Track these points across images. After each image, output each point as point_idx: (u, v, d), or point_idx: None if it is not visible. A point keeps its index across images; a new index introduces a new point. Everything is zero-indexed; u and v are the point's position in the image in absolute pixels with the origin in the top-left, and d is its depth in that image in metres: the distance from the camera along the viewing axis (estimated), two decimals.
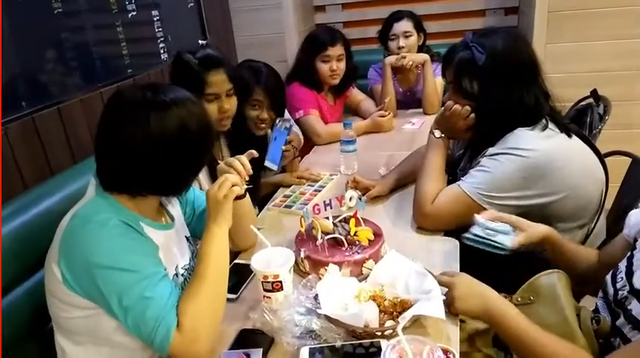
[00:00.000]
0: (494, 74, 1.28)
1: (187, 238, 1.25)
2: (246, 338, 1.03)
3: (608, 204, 1.49)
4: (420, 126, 2.28)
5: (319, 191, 1.71)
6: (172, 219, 1.21)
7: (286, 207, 1.62)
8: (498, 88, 1.28)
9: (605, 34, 2.37)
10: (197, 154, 1.06)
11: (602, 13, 2.35)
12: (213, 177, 1.57)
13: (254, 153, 1.20)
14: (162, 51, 2.23)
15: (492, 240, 1.12)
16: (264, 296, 1.08)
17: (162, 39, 2.22)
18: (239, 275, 1.23)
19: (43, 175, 1.47)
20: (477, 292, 1.00)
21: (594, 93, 1.99)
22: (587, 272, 1.10)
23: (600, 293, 1.03)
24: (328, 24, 3.12)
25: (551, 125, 1.30)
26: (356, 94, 2.53)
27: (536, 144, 1.25)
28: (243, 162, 1.14)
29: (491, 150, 1.31)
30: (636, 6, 2.30)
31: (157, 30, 2.19)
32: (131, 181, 1.03)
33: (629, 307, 0.88)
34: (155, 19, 2.17)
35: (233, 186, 1.06)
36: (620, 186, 1.52)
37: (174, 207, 1.25)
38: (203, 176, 1.54)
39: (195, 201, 1.32)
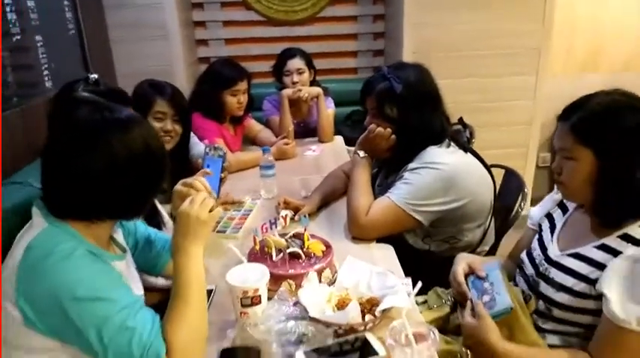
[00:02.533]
0: (410, 101, 1.51)
1: (136, 268, 1.19)
2: (231, 355, 1.03)
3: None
4: (320, 152, 2.47)
5: (248, 214, 1.74)
6: (123, 250, 1.15)
7: (219, 231, 1.62)
8: (414, 112, 1.52)
9: (458, 73, 2.87)
10: (159, 173, 1.04)
11: (456, 57, 2.86)
12: None
13: (208, 171, 1.20)
14: (46, 79, 2.05)
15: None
16: (241, 313, 1.09)
17: (46, 66, 2.05)
18: None
19: None
20: (483, 342, 1.08)
21: (461, 120, 2.41)
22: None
23: (517, 271, 1.28)
24: (212, 58, 3.17)
25: (452, 143, 1.58)
26: (254, 125, 2.62)
27: (446, 159, 1.50)
28: (202, 182, 1.13)
29: (411, 166, 1.53)
30: (482, 51, 2.85)
31: (41, 56, 2.01)
32: (88, 207, 0.96)
33: (550, 276, 1.13)
34: (39, 44, 2.00)
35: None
36: (499, 193, 1.87)
37: (120, 237, 1.18)
38: None
39: (137, 231, 1.26)
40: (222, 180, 1.47)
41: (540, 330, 1.15)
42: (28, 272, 0.89)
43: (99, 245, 1.00)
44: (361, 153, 1.63)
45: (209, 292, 1.26)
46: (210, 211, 1.05)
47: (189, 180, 1.15)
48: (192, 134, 2.03)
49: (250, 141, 2.64)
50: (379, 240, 1.53)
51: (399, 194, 1.49)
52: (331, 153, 2.45)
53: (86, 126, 0.96)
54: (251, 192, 1.95)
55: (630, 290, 0.96)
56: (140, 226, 1.28)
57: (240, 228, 1.65)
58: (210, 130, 2.24)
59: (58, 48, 2.15)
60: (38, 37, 1.99)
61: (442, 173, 1.47)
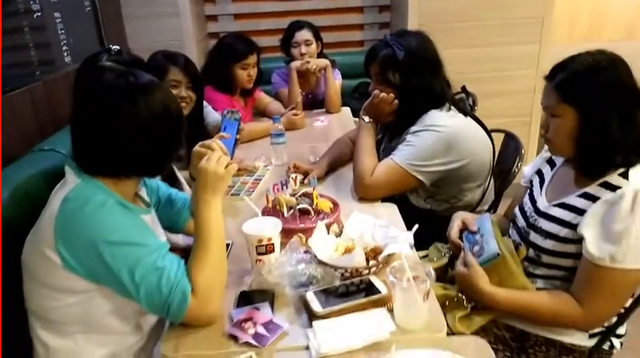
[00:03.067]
0: (411, 67, 1.59)
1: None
2: (248, 296, 1.15)
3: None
4: (328, 123, 2.56)
5: (260, 179, 1.85)
6: (148, 205, 1.25)
7: (233, 194, 1.73)
8: (415, 78, 1.60)
9: (463, 43, 2.92)
10: (179, 132, 1.12)
11: (461, 27, 2.90)
12: None
13: (225, 135, 1.30)
14: (65, 54, 2.15)
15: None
16: (256, 261, 1.20)
17: (65, 42, 2.14)
18: None
19: None
20: (473, 289, 1.18)
21: (464, 89, 2.47)
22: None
23: (510, 224, 1.38)
24: (221, 33, 3.23)
25: (453, 107, 1.66)
26: (263, 97, 2.71)
27: (446, 121, 1.58)
28: (218, 144, 1.21)
29: (413, 129, 1.61)
30: (486, 21, 2.89)
31: (60, 32, 2.11)
32: (117, 164, 1.06)
33: (538, 225, 1.22)
34: (58, 21, 2.09)
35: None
36: (498, 155, 1.95)
37: (144, 194, 1.29)
38: None
39: (159, 190, 1.37)
40: (237, 142, 1.59)
41: (531, 276, 1.25)
42: (65, 220, 0.99)
43: (128, 200, 1.11)
44: (366, 119, 1.71)
45: (227, 246, 1.38)
46: (226, 168, 1.14)
47: (206, 142, 1.24)
48: (206, 104, 2.14)
49: (260, 113, 2.73)
50: (383, 200, 1.63)
51: (402, 155, 1.58)
52: (339, 124, 2.54)
53: (113, 90, 1.05)
54: (263, 159, 2.06)
55: (605, 230, 1.05)
56: (162, 186, 1.39)
57: (253, 191, 1.76)
58: (221, 102, 2.33)
59: (76, 24, 2.25)
60: (57, 14, 2.08)
61: (443, 134, 1.56)
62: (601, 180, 1.11)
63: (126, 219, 1.04)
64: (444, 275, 1.41)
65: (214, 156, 1.14)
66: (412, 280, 1.00)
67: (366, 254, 1.23)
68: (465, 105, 2.39)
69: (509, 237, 1.37)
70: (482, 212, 1.78)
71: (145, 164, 1.10)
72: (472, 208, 1.75)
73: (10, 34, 1.74)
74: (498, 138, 1.96)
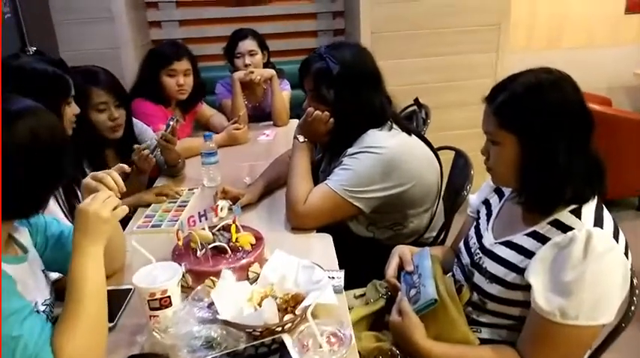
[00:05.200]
0: (347, 82, 1.42)
1: (43, 271, 1.10)
2: None
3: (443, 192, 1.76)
4: (273, 137, 2.37)
5: (184, 206, 1.65)
6: (25, 250, 1.05)
7: (154, 226, 1.53)
8: (351, 94, 1.43)
9: (417, 52, 2.79)
10: (53, 164, 0.94)
11: (415, 35, 2.77)
12: (69, 195, 1.43)
13: (125, 167, 1.12)
14: None
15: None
16: (150, 317, 1.01)
17: None
18: (112, 302, 1.12)
19: None
20: (407, 341, 1.03)
21: (417, 101, 2.33)
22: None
23: (455, 260, 1.22)
24: (165, 40, 3.03)
25: (394, 126, 1.50)
26: (205, 109, 2.51)
27: (386, 142, 1.42)
28: (115, 178, 1.06)
29: (350, 150, 1.45)
30: (441, 29, 2.76)
31: None
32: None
33: (483, 265, 1.06)
34: None
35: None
36: (449, 175, 1.81)
37: (24, 238, 1.08)
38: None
39: (47, 229, 1.16)
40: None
41: (475, 323, 1.09)
42: None
43: None
44: (300, 138, 1.54)
45: (126, 292, 1.18)
46: (114, 210, 0.98)
47: (100, 174, 1.06)
48: (137, 121, 1.94)
49: (203, 127, 2.53)
50: (321, 229, 1.45)
51: (337, 180, 1.41)
52: (285, 139, 2.33)
53: None
54: (194, 181, 1.86)
55: (553, 279, 0.90)
56: (52, 224, 1.18)
57: (177, 220, 1.56)
58: (153, 116, 2.12)
59: None
60: None
61: (382, 156, 1.40)
62: (551, 218, 0.96)
63: None
64: (380, 320, 1.24)
65: (101, 196, 0.98)
66: (325, 348, 0.82)
67: (285, 303, 1.05)
68: (418, 118, 2.26)
69: (453, 275, 1.21)
70: (430, 239, 1.62)
71: (11, 205, 0.90)
72: (419, 235, 1.60)
73: None
74: (449, 155, 1.81)
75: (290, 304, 1.05)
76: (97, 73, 1.73)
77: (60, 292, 1.08)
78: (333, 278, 1.18)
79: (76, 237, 0.95)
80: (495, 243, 1.07)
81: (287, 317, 1.00)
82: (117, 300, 1.14)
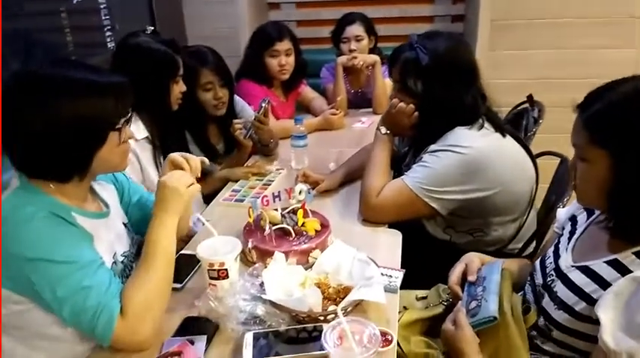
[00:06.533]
0: (436, 74, 1.35)
1: (125, 224, 1.21)
2: (191, 325, 1.03)
3: (540, 201, 1.60)
4: (369, 125, 2.34)
5: (268, 185, 1.72)
6: (107, 206, 1.17)
7: (237, 201, 1.63)
8: (440, 87, 1.35)
9: (543, 43, 2.53)
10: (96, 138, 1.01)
11: (542, 24, 2.51)
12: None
13: (206, 160, 1.19)
14: (108, 39, 2.17)
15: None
16: (209, 284, 1.08)
17: (109, 27, 2.16)
18: (185, 266, 1.23)
19: None
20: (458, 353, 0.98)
21: (530, 98, 2.12)
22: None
23: (528, 278, 1.11)
24: (282, 22, 3.13)
25: (487, 124, 1.38)
26: (308, 92, 2.56)
27: (472, 142, 1.33)
28: (203, 161, 1.16)
29: (432, 147, 1.38)
30: (573, 18, 2.47)
31: (103, 18, 2.13)
32: (59, 166, 0.98)
33: (554, 289, 0.96)
34: (102, 6, 2.11)
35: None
36: (550, 184, 1.63)
37: (109, 193, 1.20)
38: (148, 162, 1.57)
39: (130, 189, 1.29)
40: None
41: (537, 349, 0.99)
42: None
43: (76, 204, 1.04)
44: (383, 130, 1.51)
45: (198, 259, 1.28)
46: (189, 187, 1.06)
47: (186, 154, 1.16)
48: (239, 99, 2.06)
49: (305, 108, 2.59)
50: (393, 225, 1.42)
51: (415, 177, 1.36)
52: None
53: (47, 88, 0.95)
54: (284, 161, 1.93)
55: (627, 317, 0.77)
56: (134, 187, 1.30)
57: (259, 197, 1.63)
58: (255, 96, 2.21)
59: (124, 10, 2.26)
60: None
61: (464, 157, 1.31)
62: (638, 248, 0.83)
63: (55, 233, 0.95)
64: (436, 327, 1.18)
65: (178, 173, 1.08)
66: (356, 347, 0.81)
67: (336, 294, 1.06)
68: (528, 117, 2.07)
69: (524, 293, 1.11)
70: (516, 250, 1.49)
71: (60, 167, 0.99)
72: (503, 244, 1.48)
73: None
74: (554, 161, 1.63)
75: (340, 295, 1.05)
76: (205, 53, 1.84)
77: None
78: (390, 276, 1.15)
79: (156, 206, 1.05)
80: (572, 267, 0.95)
81: (331, 307, 1.01)
82: (189, 265, 1.24)
